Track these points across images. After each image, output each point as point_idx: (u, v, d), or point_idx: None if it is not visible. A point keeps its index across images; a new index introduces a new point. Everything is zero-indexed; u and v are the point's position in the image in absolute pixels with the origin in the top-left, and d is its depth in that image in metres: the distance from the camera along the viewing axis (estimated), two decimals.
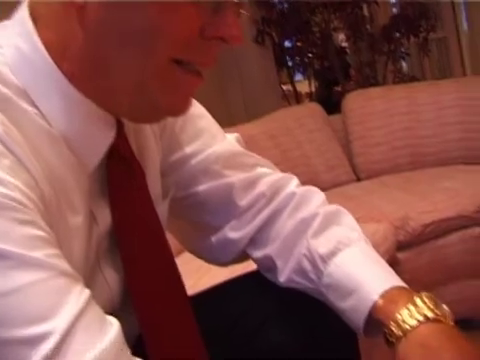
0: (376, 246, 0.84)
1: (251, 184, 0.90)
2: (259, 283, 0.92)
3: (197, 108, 0.92)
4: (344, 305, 0.79)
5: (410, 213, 2.08)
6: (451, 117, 2.80)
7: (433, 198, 2.20)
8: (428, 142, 2.80)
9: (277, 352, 0.86)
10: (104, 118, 0.71)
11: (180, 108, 0.74)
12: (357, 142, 2.95)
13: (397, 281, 0.77)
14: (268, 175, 0.92)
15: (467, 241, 2.09)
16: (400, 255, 2.00)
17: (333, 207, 0.89)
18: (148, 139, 0.84)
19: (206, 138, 0.90)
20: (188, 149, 0.89)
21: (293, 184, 0.92)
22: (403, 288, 0.76)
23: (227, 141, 0.92)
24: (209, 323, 0.85)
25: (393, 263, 1.84)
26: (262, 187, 0.90)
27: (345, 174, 2.87)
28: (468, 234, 2.10)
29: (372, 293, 0.75)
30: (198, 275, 1.59)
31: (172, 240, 0.89)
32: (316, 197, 0.90)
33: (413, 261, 2.02)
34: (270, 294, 0.90)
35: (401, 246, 2.01)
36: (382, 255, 0.86)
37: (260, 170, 0.92)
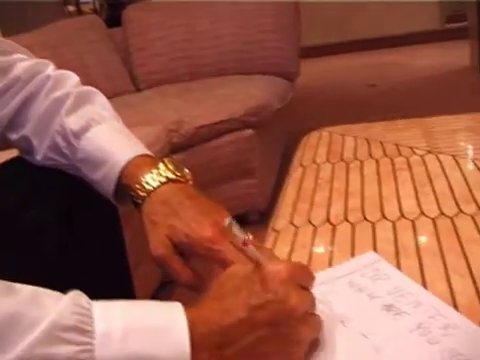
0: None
1: (7, 68, 0.90)
2: (18, 168, 0.93)
3: None
4: (97, 176, 0.82)
5: (184, 118, 2.16)
6: (225, 29, 2.91)
7: (207, 104, 2.31)
8: (205, 53, 2.90)
9: (40, 232, 0.88)
10: None
11: None
12: (137, 53, 2.97)
13: (144, 150, 0.82)
14: (24, 60, 0.92)
15: (238, 142, 2.23)
16: (176, 157, 2.08)
17: (86, 88, 0.91)
18: None
19: None
20: None
21: (49, 68, 0.93)
22: (148, 156, 0.82)
23: None
24: None
25: None
26: (18, 71, 0.90)
27: (125, 84, 2.88)
28: (239, 136, 2.23)
29: (120, 161, 0.79)
30: None
31: None
32: (71, 79, 0.91)
33: (188, 162, 2.11)
34: (29, 177, 0.91)
35: (176, 148, 2.09)
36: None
37: (16, 56, 0.92)
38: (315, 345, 0.59)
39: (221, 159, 2.21)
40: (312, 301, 0.60)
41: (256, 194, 2.30)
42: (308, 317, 0.58)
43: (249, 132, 2.24)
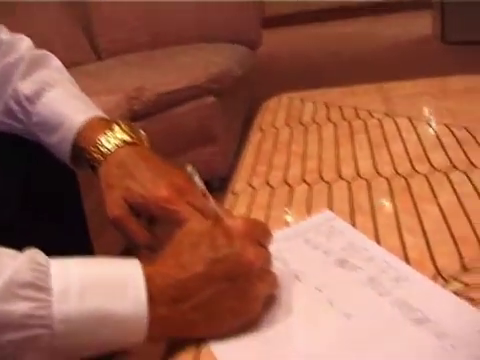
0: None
1: None
2: None
3: None
4: (53, 140, 0.82)
5: (146, 85, 2.14)
6: None
7: (168, 71, 2.30)
8: (166, 22, 2.87)
9: None
10: None
11: None
12: (98, 22, 2.93)
13: (99, 113, 0.82)
14: None
15: (200, 109, 2.22)
16: (137, 124, 2.06)
17: (40, 51, 0.90)
18: None
19: None
20: None
21: (2, 33, 0.91)
22: (103, 118, 0.81)
23: None
24: None
25: None
26: None
27: (85, 54, 2.85)
28: (200, 103, 2.23)
29: (75, 124, 0.79)
30: None
31: None
32: (24, 42, 0.90)
33: (150, 130, 2.07)
34: None
35: (137, 116, 2.07)
36: None
37: None
38: (271, 301, 0.60)
39: (183, 126, 2.21)
40: (268, 258, 0.60)
41: (218, 161, 2.30)
42: (264, 273, 0.59)
43: (211, 99, 2.23)
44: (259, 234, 0.61)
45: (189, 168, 0.59)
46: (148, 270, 0.55)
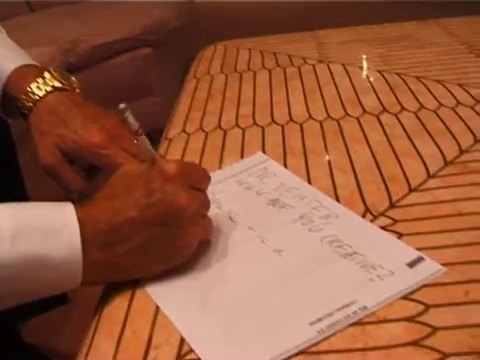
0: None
1: None
2: None
3: None
4: None
5: (80, 37, 2.09)
6: None
7: (103, 23, 2.25)
8: None
9: None
10: None
11: None
12: None
13: (29, 61, 0.80)
14: None
15: (136, 61, 2.19)
16: (73, 77, 2.03)
17: None
18: None
19: None
20: None
21: None
22: (34, 65, 0.79)
23: None
24: None
25: None
26: None
27: (17, 6, 2.75)
28: (137, 54, 2.19)
29: (4, 72, 0.76)
30: None
31: None
32: None
33: (86, 82, 2.04)
34: None
35: (73, 68, 2.03)
36: None
37: None
38: (206, 241, 0.61)
39: (119, 78, 2.17)
40: (204, 202, 0.59)
41: (157, 113, 2.27)
42: (198, 218, 0.58)
43: (147, 50, 2.20)
44: (195, 177, 0.60)
45: (122, 105, 0.57)
46: (81, 214, 0.54)
